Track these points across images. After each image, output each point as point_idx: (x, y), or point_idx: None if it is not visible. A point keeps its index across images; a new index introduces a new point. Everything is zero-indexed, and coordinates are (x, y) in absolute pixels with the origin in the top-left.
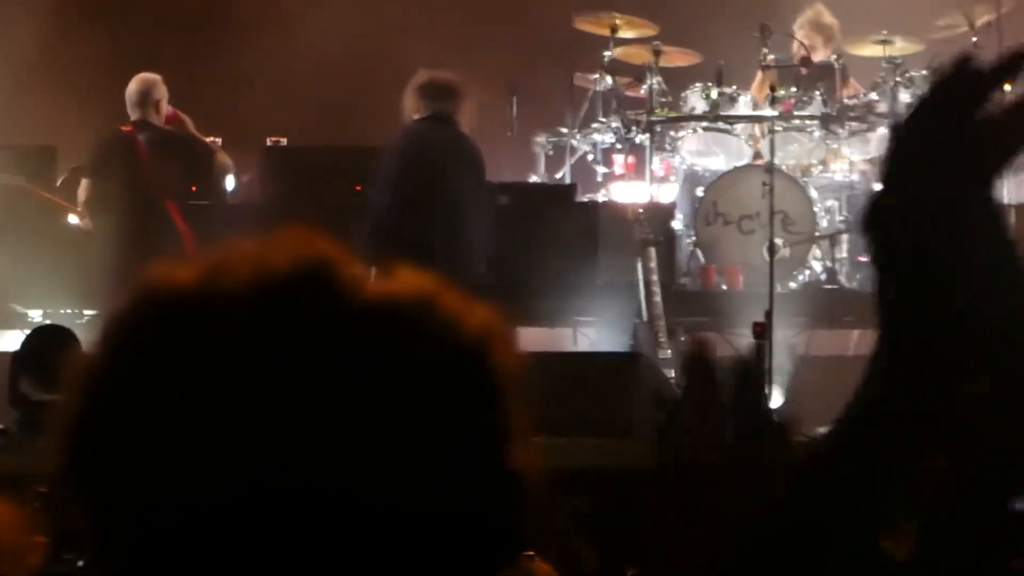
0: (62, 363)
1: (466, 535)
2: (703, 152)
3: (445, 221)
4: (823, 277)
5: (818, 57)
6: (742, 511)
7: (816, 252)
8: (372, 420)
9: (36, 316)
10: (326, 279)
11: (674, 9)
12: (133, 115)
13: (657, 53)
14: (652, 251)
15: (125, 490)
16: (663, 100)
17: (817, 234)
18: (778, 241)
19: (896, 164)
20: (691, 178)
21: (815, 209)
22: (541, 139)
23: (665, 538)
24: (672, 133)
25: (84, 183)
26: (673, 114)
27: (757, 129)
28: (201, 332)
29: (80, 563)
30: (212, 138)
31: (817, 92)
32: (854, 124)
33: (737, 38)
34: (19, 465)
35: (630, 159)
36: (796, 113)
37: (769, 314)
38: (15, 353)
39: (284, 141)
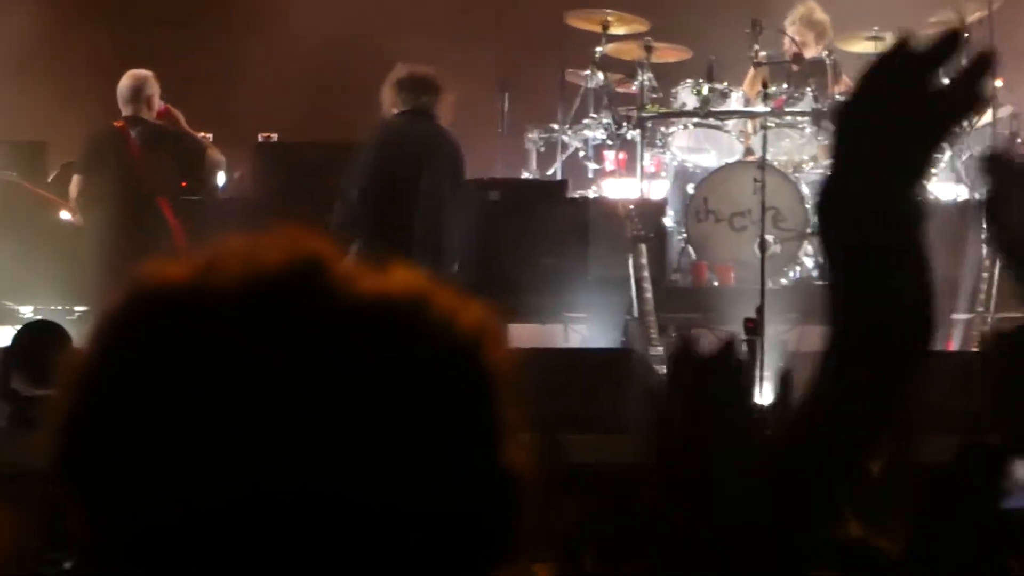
0: (53, 359)
1: (461, 533)
2: (694, 148)
3: (422, 216)
4: (814, 273)
5: (810, 53)
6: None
7: (807, 248)
8: (366, 418)
9: (27, 312)
10: (319, 276)
11: (665, 5)
12: (125, 111)
13: (648, 49)
14: (643, 248)
15: (119, 487)
16: (654, 96)
17: (808, 230)
18: (769, 237)
19: (838, 153)
20: (682, 174)
21: (807, 206)
22: (532, 135)
23: (657, 535)
24: (663, 129)
25: (76, 179)
26: (664, 110)
27: (748, 125)
28: (194, 329)
29: (67, 565)
30: (203, 134)
31: (808, 88)
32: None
33: (728, 34)
34: (10, 461)
35: (621, 155)
36: (787, 109)
37: (760, 310)
38: (5, 349)
39: (275, 137)
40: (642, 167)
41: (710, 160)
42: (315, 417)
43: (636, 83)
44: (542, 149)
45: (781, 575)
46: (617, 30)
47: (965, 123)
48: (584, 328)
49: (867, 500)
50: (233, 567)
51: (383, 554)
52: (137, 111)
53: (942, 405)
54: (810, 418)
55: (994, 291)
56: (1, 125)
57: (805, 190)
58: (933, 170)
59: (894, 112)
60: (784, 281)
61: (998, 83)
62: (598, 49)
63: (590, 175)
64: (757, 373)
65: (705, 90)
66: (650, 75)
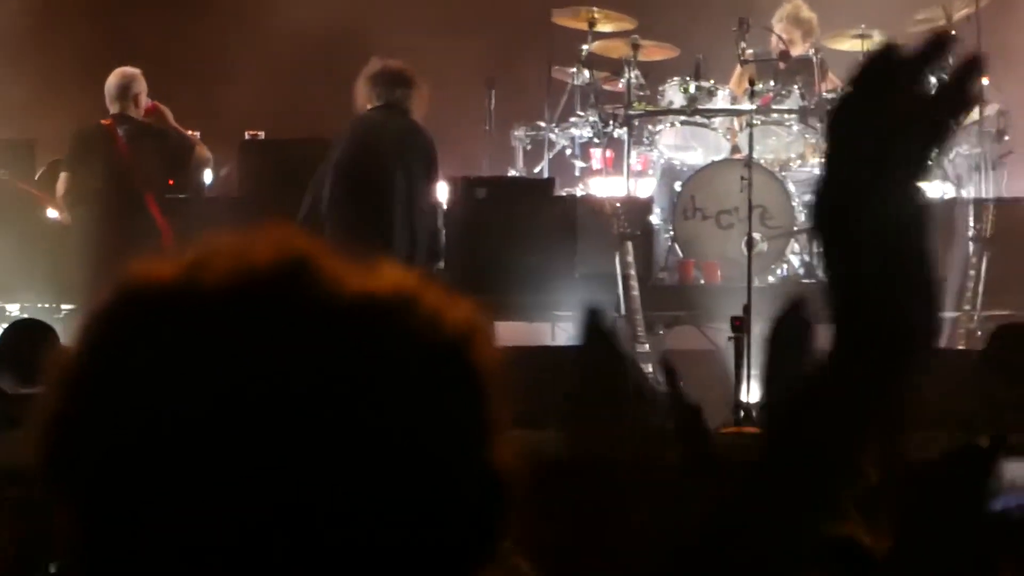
0: (40, 357)
1: (450, 531)
2: (681, 146)
3: (397, 211)
4: (801, 271)
5: (797, 51)
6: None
7: (794, 246)
8: (353, 416)
9: (14, 310)
10: (306, 275)
11: (652, 3)
12: (112, 109)
13: (635, 47)
14: (630, 245)
15: (106, 486)
16: (641, 94)
17: (795, 228)
18: (756, 235)
19: (831, 156)
20: (669, 172)
21: (793, 203)
22: (519, 133)
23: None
24: (650, 127)
25: (63, 176)
26: (651, 108)
27: (735, 123)
28: (181, 328)
29: (52, 568)
30: (191, 132)
31: (796, 86)
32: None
33: (715, 32)
34: None
35: (608, 153)
36: (774, 107)
37: (747, 308)
38: None
39: (262, 135)
40: (629, 165)
41: (697, 158)
42: (302, 415)
43: (623, 81)
44: (529, 147)
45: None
46: (604, 28)
47: (954, 124)
48: (571, 326)
49: (855, 498)
50: (222, 565)
51: (371, 550)
52: (124, 109)
53: (929, 402)
54: (805, 416)
55: (980, 288)
56: None
57: (792, 188)
58: (930, 171)
59: (884, 114)
60: (771, 279)
61: (984, 81)
62: (585, 47)
63: (577, 173)
64: (744, 371)
65: (692, 88)
66: (637, 73)
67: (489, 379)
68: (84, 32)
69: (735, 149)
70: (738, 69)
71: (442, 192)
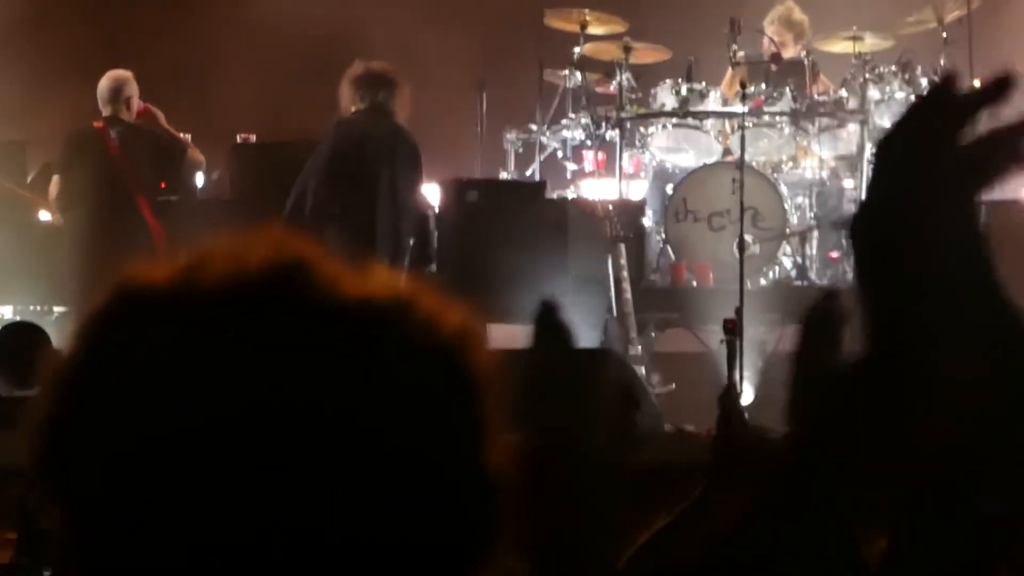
0: (32, 360)
1: (445, 533)
2: (673, 149)
3: (381, 215)
4: (793, 273)
5: (788, 53)
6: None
7: (786, 248)
8: (349, 419)
9: (6, 312)
10: (302, 279)
11: (644, 5)
12: (104, 111)
13: (627, 49)
14: (622, 248)
15: (102, 489)
16: (633, 96)
17: (787, 231)
18: (748, 238)
19: (879, 178)
20: (661, 175)
21: (785, 206)
22: (511, 135)
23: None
24: (642, 130)
25: (55, 179)
26: (643, 110)
27: (727, 125)
28: (178, 331)
29: (46, 573)
30: (183, 134)
31: (787, 88)
32: (824, 120)
33: (707, 34)
34: None
35: (600, 156)
36: (766, 109)
37: (739, 310)
38: None
39: (253, 138)
40: (621, 167)
41: (689, 160)
42: (298, 418)
43: (615, 83)
44: (520, 150)
45: None
46: (595, 30)
47: (1002, 175)
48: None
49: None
50: (218, 568)
51: (366, 555)
52: (116, 112)
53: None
54: (829, 441)
55: None
56: None
57: (784, 190)
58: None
59: (938, 148)
60: (763, 281)
61: (976, 83)
62: (576, 49)
63: (569, 176)
64: (737, 373)
65: (684, 90)
66: (629, 75)
67: (484, 383)
68: (76, 34)
69: (727, 151)
70: (730, 71)
71: (434, 195)
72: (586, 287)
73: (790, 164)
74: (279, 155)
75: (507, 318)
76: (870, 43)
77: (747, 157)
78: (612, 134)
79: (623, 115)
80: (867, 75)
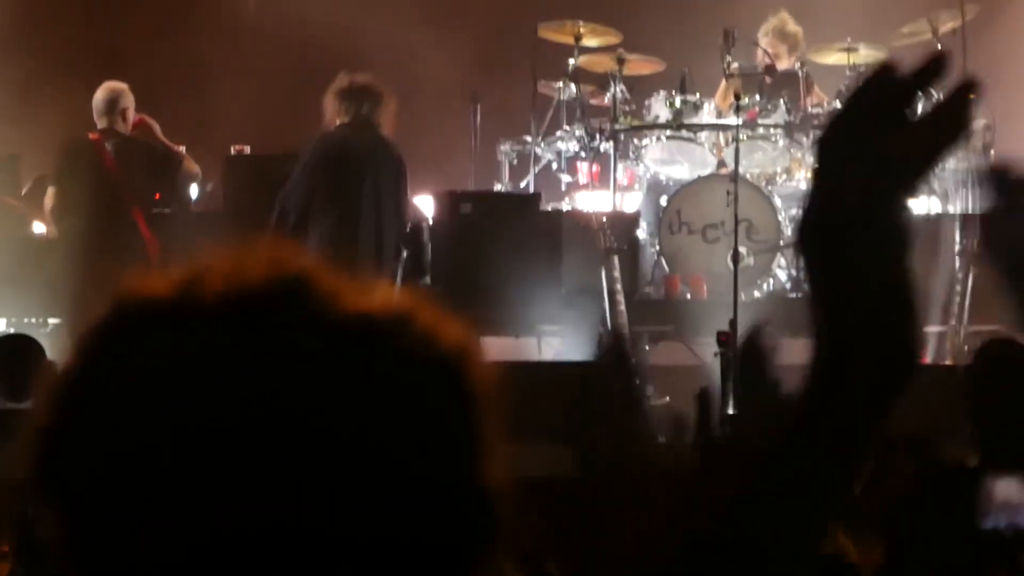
0: (27, 372)
1: (442, 544)
2: (667, 161)
3: (364, 227)
4: (788, 286)
5: (782, 65)
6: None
7: (780, 261)
8: (347, 432)
9: (0, 324)
10: (302, 293)
11: (638, 17)
12: (100, 123)
13: (621, 61)
14: (616, 260)
15: (102, 501)
16: (627, 108)
17: (781, 243)
18: (742, 250)
19: (819, 174)
20: (655, 187)
21: (779, 218)
22: (505, 147)
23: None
24: (636, 141)
25: (50, 191)
26: (637, 122)
27: (721, 137)
28: (178, 344)
29: None
30: (178, 146)
31: (781, 100)
32: (818, 132)
33: (701, 46)
34: None
35: (594, 168)
36: (760, 121)
37: (734, 323)
38: None
39: (247, 150)
40: (615, 179)
41: (683, 172)
42: (297, 431)
43: (609, 95)
44: (515, 162)
45: None
46: (589, 42)
47: (948, 149)
48: (557, 341)
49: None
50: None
51: (362, 566)
52: (112, 123)
53: (917, 418)
54: (795, 437)
55: (967, 303)
56: None
57: (778, 202)
58: (919, 191)
59: (876, 135)
60: (757, 293)
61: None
62: (571, 61)
63: (563, 187)
64: (731, 386)
65: (678, 102)
66: (623, 87)
67: (483, 397)
68: (70, 46)
69: (721, 163)
70: (724, 83)
71: (428, 207)
72: (580, 299)
73: (784, 176)
74: (273, 167)
75: (501, 330)
76: (864, 54)
77: (741, 169)
78: (606, 146)
79: (617, 127)
80: None
